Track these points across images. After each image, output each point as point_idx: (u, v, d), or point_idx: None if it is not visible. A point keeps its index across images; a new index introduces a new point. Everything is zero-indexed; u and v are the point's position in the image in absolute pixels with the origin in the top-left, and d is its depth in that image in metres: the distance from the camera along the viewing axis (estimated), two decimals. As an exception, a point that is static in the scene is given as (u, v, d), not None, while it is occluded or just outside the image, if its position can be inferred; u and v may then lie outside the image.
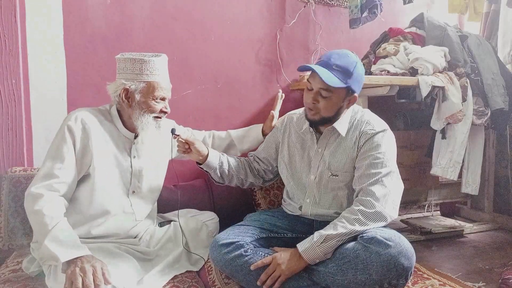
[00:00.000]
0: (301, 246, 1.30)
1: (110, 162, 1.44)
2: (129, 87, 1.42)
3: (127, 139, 1.49)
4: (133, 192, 1.49)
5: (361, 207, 1.30)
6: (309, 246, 1.28)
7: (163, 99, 1.48)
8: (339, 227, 1.27)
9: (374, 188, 1.32)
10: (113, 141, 1.46)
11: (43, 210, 1.23)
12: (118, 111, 1.49)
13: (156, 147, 1.58)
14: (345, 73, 1.35)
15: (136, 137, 1.49)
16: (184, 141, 1.49)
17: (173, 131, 1.50)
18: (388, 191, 1.33)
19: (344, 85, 1.34)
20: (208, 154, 1.53)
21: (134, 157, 1.50)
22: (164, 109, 1.49)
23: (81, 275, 1.12)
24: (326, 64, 1.37)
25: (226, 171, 1.59)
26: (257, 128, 1.86)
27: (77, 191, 1.40)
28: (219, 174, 1.58)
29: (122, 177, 1.47)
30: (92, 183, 1.39)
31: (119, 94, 1.43)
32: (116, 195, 1.45)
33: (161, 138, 1.59)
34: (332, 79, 1.33)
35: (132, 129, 1.48)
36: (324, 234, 1.27)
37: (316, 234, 1.29)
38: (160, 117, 1.49)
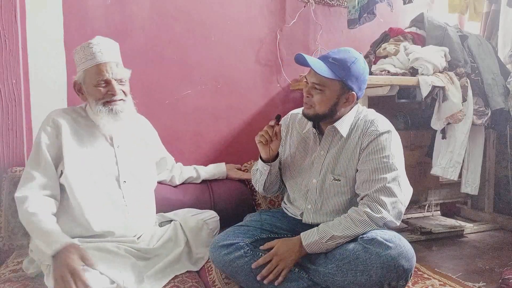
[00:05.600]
0: (306, 239, 1.30)
1: (89, 156, 1.40)
2: (77, 79, 1.38)
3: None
4: (124, 181, 1.44)
5: (368, 210, 1.27)
6: (314, 242, 1.29)
7: (107, 81, 1.36)
8: (345, 229, 1.27)
9: (381, 195, 1.28)
10: (91, 134, 1.43)
11: (28, 209, 1.24)
12: None
13: (139, 136, 1.56)
14: (341, 66, 1.31)
15: None
16: (274, 132, 1.42)
17: (278, 117, 1.43)
18: (396, 199, 1.29)
19: (335, 77, 1.31)
20: (278, 154, 1.50)
21: (118, 146, 1.47)
22: (110, 92, 1.36)
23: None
24: (323, 57, 1.35)
25: (276, 175, 1.56)
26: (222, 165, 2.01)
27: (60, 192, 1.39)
28: (273, 176, 1.54)
29: (108, 168, 1.43)
30: (68, 180, 1.35)
31: (74, 89, 1.40)
32: (105, 187, 1.41)
33: (141, 127, 1.59)
34: (323, 69, 1.30)
35: None
36: (330, 233, 1.27)
37: (322, 228, 1.30)
38: (110, 101, 1.37)
